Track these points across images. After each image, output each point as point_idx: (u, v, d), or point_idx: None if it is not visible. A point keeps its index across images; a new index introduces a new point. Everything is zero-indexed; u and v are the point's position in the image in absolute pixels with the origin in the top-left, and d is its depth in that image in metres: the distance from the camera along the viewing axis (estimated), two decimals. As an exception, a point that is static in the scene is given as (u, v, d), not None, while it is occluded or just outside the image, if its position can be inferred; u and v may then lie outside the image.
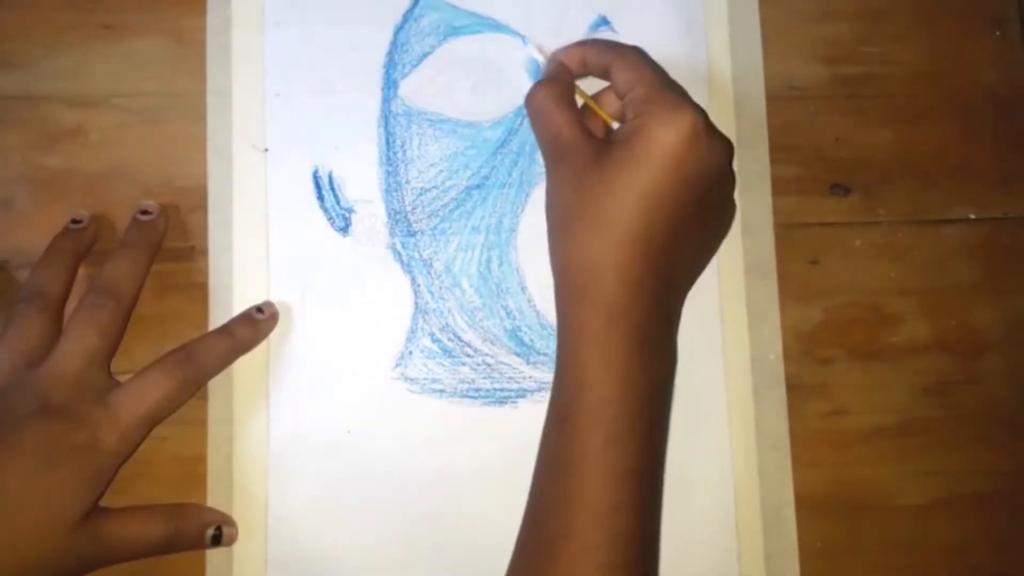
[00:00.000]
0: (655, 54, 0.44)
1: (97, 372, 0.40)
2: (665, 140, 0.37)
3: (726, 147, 0.39)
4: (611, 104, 0.42)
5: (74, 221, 0.43)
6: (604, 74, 0.41)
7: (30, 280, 0.42)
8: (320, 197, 0.44)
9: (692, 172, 0.37)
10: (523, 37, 0.45)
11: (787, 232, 0.45)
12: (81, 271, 0.43)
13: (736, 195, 0.44)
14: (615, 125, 0.41)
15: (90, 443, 0.38)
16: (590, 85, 0.43)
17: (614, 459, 0.36)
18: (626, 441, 0.36)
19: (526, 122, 0.44)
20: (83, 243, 0.43)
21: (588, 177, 0.38)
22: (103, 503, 0.39)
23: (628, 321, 0.37)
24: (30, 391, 0.38)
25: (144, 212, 0.43)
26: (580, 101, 0.42)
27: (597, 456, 0.36)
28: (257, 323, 0.42)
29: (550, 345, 0.43)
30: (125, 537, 0.39)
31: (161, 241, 0.44)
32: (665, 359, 0.39)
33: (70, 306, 0.42)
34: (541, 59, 0.44)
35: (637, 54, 0.41)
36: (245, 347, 0.42)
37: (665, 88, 0.39)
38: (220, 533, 0.41)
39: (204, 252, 0.44)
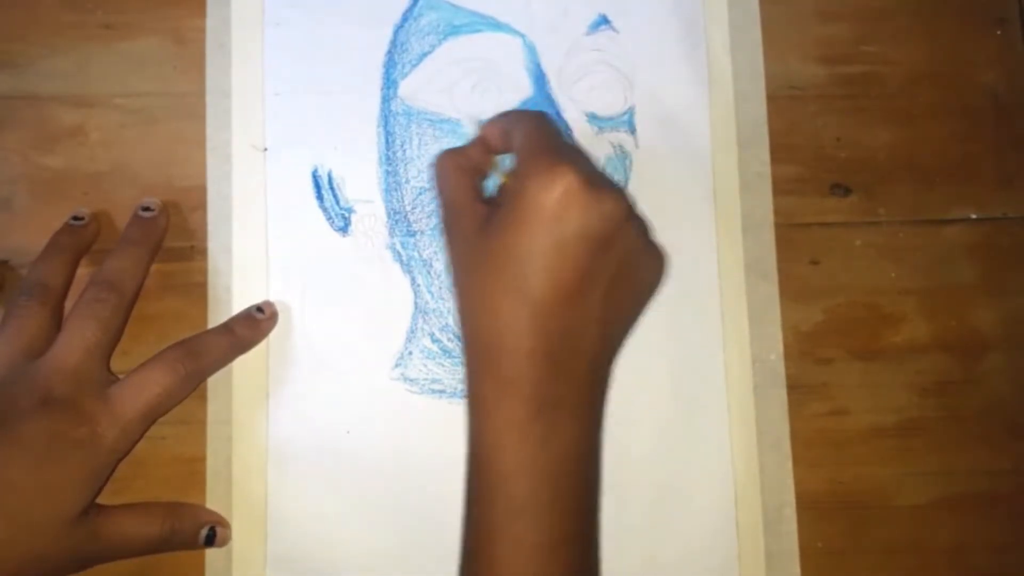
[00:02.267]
0: (656, 53, 0.44)
1: (97, 366, 0.40)
2: (538, 201, 0.35)
3: (616, 199, 0.36)
4: None
5: (75, 218, 0.43)
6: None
7: (30, 273, 0.42)
8: (319, 197, 0.44)
9: (573, 231, 0.35)
10: (523, 35, 0.45)
11: (787, 232, 0.45)
12: (81, 271, 0.43)
13: (736, 195, 0.44)
14: None
15: (90, 438, 0.38)
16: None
17: (520, 534, 0.35)
18: (530, 515, 0.35)
19: (526, 122, 0.44)
20: (84, 240, 0.43)
21: (475, 243, 0.37)
22: (101, 501, 0.39)
23: (521, 390, 0.35)
24: (30, 383, 0.38)
25: (146, 209, 0.43)
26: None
27: (503, 530, 0.35)
28: (257, 322, 0.42)
29: (550, 345, 0.43)
30: (121, 534, 0.39)
31: (163, 238, 0.44)
32: (571, 425, 0.36)
33: (69, 305, 0.42)
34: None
35: (533, 119, 0.39)
36: (245, 346, 0.42)
37: (544, 149, 0.37)
38: (214, 533, 0.41)
39: (203, 252, 0.44)
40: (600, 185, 0.36)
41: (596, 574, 0.37)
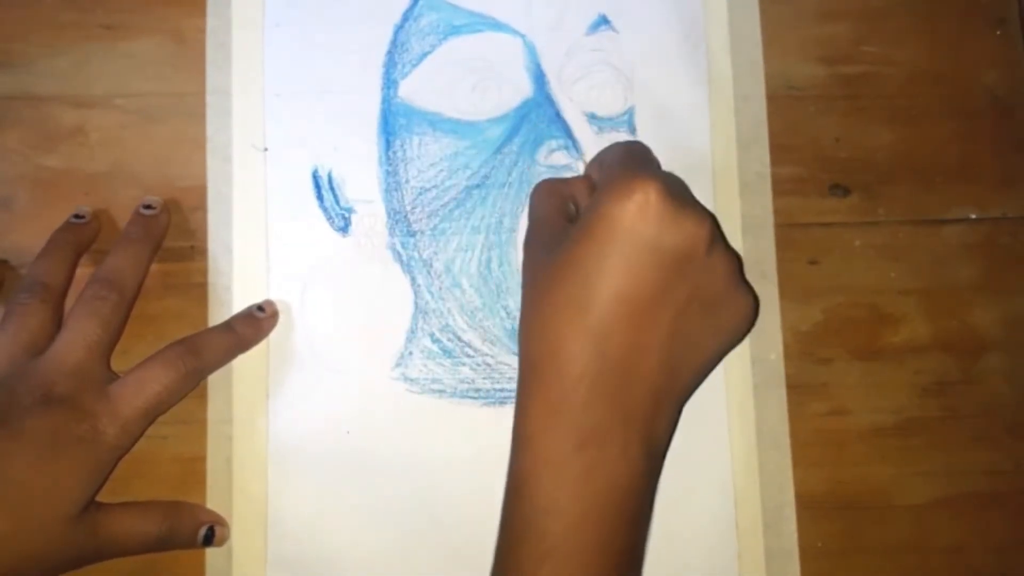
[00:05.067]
0: (656, 53, 0.43)
1: (98, 363, 0.40)
2: (613, 211, 0.33)
3: (699, 220, 0.34)
4: None
5: (76, 216, 0.43)
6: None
7: (31, 271, 0.42)
8: (320, 197, 0.44)
9: (646, 242, 0.33)
10: (523, 35, 0.45)
11: (787, 232, 0.45)
12: (82, 271, 0.43)
13: (736, 194, 0.44)
14: None
15: (92, 435, 0.38)
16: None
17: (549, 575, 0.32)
18: (560, 557, 0.32)
19: (526, 121, 0.44)
20: (85, 237, 0.43)
21: (544, 256, 0.35)
22: (101, 500, 0.39)
23: (566, 418, 0.33)
24: (31, 381, 0.38)
25: (147, 207, 0.43)
26: None
27: (529, 572, 0.33)
28: (258, 321, 0.42)
29: (550, 345, 0.43)
30: (121, 533, 0.39)
31: (164, 236, 0.44)
32: (619, 463, 0.33)
33: (69, 303, 0.42)
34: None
35: (622, 144, 0.39)
36: (246, 344, 0.42)
37: (627, 164, 0.36)
38: (212, 533, 0.41)
39: (204, 252, 0.44)
40: (684, 202, 0.34)
41: None
